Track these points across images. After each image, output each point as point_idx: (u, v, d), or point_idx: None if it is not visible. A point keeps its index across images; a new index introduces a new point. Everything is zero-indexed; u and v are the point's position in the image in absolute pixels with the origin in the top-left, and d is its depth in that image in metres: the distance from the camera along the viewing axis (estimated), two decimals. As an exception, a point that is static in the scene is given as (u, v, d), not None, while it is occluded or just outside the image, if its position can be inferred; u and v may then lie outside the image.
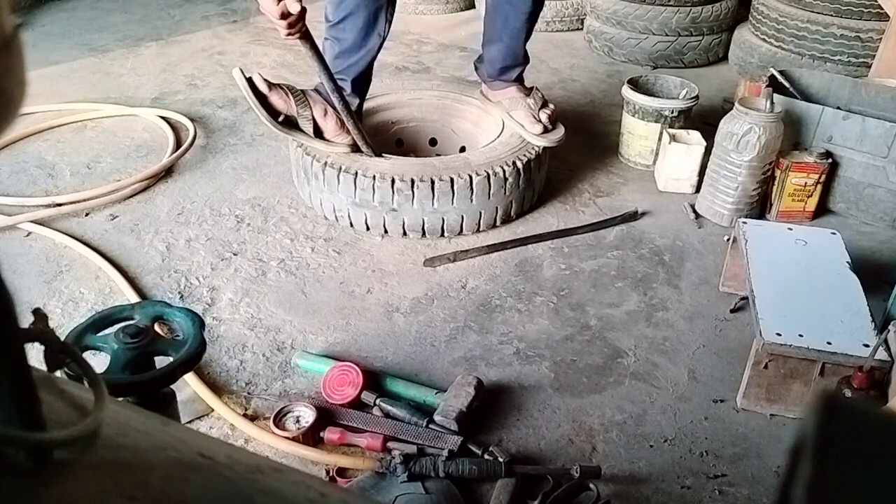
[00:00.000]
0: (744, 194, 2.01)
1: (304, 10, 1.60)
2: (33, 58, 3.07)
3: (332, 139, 1.92)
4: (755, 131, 1.91)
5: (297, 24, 1.63)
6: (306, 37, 1.69)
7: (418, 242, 1.95)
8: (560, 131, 2.08)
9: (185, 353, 0.85)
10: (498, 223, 2.02)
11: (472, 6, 3.97)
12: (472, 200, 1.91)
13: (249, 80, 1.81)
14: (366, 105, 2.14)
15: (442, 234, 1.96)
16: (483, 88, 2.18)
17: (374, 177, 1.86)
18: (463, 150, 2.23)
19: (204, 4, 3.92)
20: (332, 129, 1.90)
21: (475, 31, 3.52)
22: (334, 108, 1.89)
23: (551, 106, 2.09)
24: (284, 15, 1.58)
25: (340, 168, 1.88)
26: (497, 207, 1.98)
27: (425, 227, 1.93)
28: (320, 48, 1.95)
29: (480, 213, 1.95)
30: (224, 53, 3.25)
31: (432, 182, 1.85)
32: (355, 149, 1.94)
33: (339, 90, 1.82)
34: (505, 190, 1.95)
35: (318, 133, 1.90)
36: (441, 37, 3.57)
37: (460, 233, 1.98)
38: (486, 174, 1.89)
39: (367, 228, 1.95)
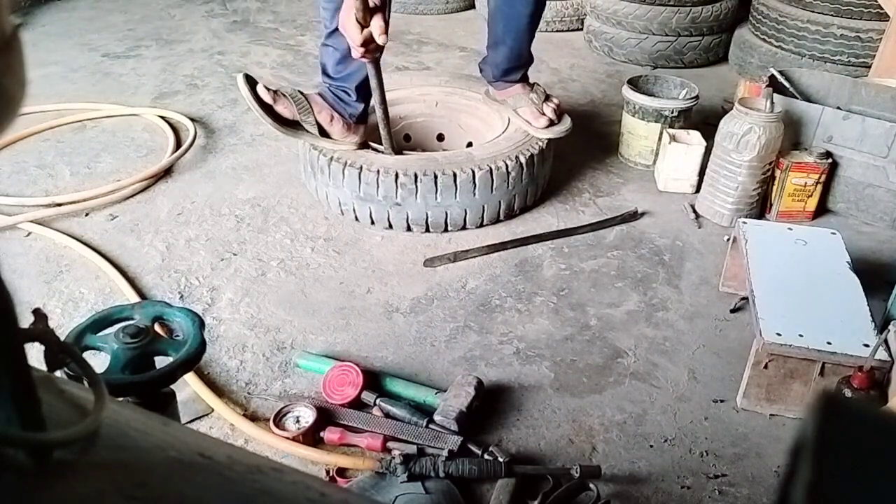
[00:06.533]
0: (744, 194, 2.01)
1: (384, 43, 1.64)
2: (33, 58, 3.07)
3: (339, 139, 1.94)
4: (755, 131, 1.91)
5: (374, 52, 1.69)
6: (377, 62, 1.75)
7: (419, 242, 1.95)
8: (565, 123, 2.09)
9: (185, 353, 0.85)
10: (501, 217, 2.03)
11: (472, 6, 3.97)
12: (474, 195, 1.92)
13: (254, 92, 1.84)
14: None
15: (445, 229, 1.97)
16: (488, 89, 2.19)
17: (378, 171, 1.87)
18: (470, 145, 2.24)
19: (204, 4, 3.92)
20: (339, 132, 1.94)
21: (475, 31, 3.52)
22: (339, 113, 1.92)
23: (555, 99, 2.10)
24: (367, 42, 1.62)
25: (346, 163, 1.90)
26: (500, 202, 1.99)
27: (429, 222, 1.95)
28: (319, 55, 1.97)
29: (483, 207, 1.96)
30: (224, 53, 3.25)
31: (435, 176, 1.86)
32: (362, 146, 1.97)
33: (386, 112, 1.90)
34: (508, 184, 1.96)
35: (324, 134, 1.93)
36: (441, 37, 3.57)
37: (463, 227, 1.99)
38: (488, 169, 1.90)
39: (372, 223, 1.97)
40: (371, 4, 1.59)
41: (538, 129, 2.03)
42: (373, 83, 1.83)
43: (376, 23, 1.60)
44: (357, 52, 1.66)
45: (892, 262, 1.91)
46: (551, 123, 2.05)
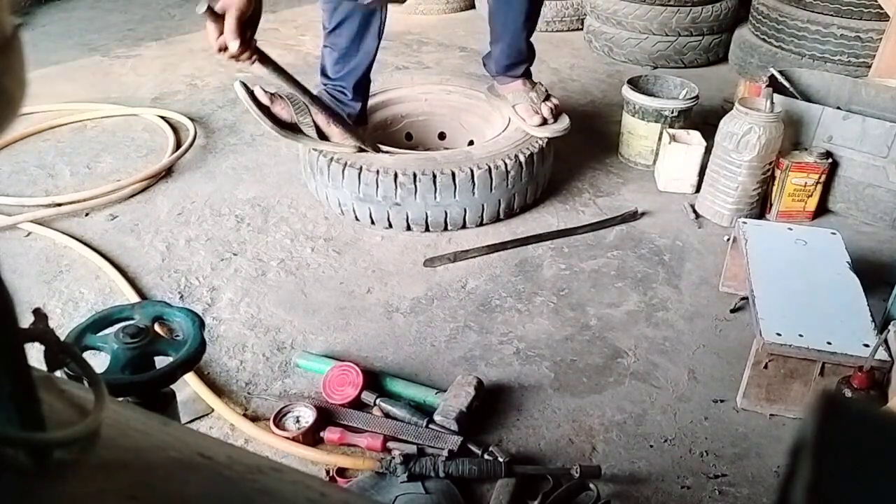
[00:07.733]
0: (744, 194, 2.01)
1: (246, 46, 1.53)
2: (33, 58, 3.07)
3: (339, 141, 1.94)
4: (755, 131, 1.91)
5: (241, 57, 1.56)
6: (262, 60, 1.64)
7: (418, 242, 1.95)
8: (562, 123, 2.09)
9: (185, 353, 0.85)
10: (501, 217, 2.04)
11: (472, 6, 3.97)
12: (474, 194, 1.92)
13: (252, 94, 1.83)
14: (375, 99, 2.16)
15: (445, 228, 1.97)
16: (492, 84, 2.20)
17: (377, 171, 1.87)
18: (471, 143, 2.24)
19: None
20: (338, 134, 1.94)
21: (475, 31, 3.52)
22: (337, 114, 1.91)
23: (554, 100, 2.11)
24: (222, 49, 1.52)
25: (346, 163, 1.90)
26: (500, 201, 1.99)
27: (428, 221, 1.95)
28: (320, 57, 1.97)
29: (483, 206, 1.96)
30: (224, 53, 3.24)
31: (434, 176, 1.86)
32: (362, 149, 1.97)
33: (314, 98, 1.84)
34: (507, 183, 1.96)
35: (322, 136, 1.93)
36: (441, 37, 3.57)
37: (463, 226, 1.99)
38: (487, 168, 1.90)
39: (372, 222, 1.98)
40: (217, 9, 1.50)
41: (532, 126, 2.04)
42: (281, 82, 1.73)
43: (228, 25, 1.51)
44: (225, 59, 1.57)
45: (892, 262, 1.91)
46: (545, 122, 2.05)
